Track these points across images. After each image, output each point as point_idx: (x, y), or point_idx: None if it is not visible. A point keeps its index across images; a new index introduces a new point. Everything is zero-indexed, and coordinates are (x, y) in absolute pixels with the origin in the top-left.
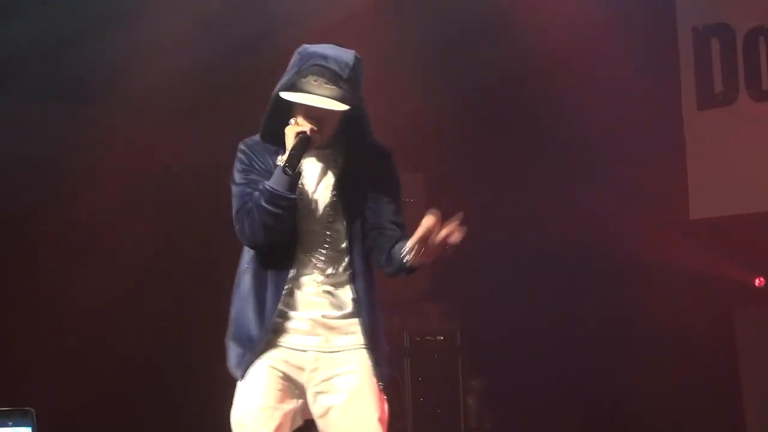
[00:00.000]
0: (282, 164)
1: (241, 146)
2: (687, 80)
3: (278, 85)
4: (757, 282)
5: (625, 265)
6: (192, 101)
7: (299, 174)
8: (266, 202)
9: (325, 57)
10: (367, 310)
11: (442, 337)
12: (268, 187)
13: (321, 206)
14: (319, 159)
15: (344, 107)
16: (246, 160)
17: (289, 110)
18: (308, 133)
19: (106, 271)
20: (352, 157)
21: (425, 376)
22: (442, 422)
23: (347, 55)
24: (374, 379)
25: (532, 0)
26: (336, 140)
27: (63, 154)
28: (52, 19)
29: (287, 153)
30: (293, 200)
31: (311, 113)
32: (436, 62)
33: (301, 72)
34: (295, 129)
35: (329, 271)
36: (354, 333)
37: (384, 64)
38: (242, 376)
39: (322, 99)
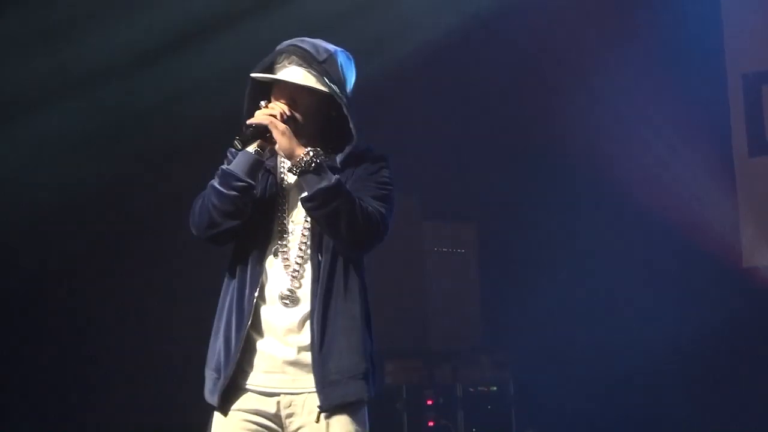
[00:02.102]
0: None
1: (230, 149)
2: (738, 127)
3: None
4: None
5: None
6: None
7: (259, 163)
8: (218, 181)
9: (302, 40)
10: (320, 333)
11: (495, 387)
12: (223, 167)
13: (294, 215)
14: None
15: (310, 84)
16: (227, 160)
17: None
18: (278, 116)
19: None
20: (338, 168)
21: (478, 427)
22: None
23: (331, 45)
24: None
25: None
26: (311, 139)
27: None
28: None
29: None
30: (246, 184)
31: (283, 96)
32: (481, 115)
33: (276, 53)
34: (264, 111)
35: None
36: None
37: (431, 115)
38: (218, 403)
39: (288, 75)
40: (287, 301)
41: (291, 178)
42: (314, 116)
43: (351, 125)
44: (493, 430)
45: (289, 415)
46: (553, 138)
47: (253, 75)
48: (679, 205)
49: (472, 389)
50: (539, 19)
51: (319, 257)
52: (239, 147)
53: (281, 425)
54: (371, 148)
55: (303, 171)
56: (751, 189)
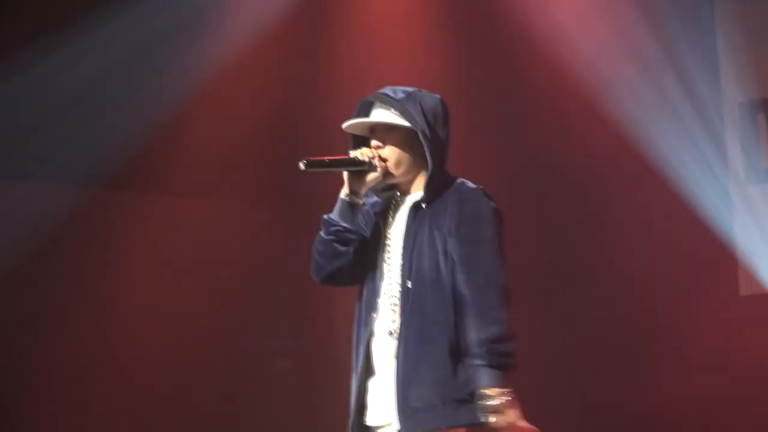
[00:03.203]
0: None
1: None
2: (734, 154)
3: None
4: None
5: (676, 340)
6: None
7: (351, 206)
8: (321, 228)
9: (384, 87)
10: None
11: None
12: (323, 215)
13: (396, 256)
14: (406, 204)
15: (385, 120)
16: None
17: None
18: (359, 157)
19: None
20: (424, 198)
21: None
22: None
23: (409, 87)
24: None
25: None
26: (414, 180)
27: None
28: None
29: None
30: (339, 228)
31: (373, 138)
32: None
33: (362, 103)
34: (364, 151)
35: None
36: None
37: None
38: None
39: (371, 117)
40: (389, 335)
41: (398, 218)
42: (404, 152)
43: (428, 155)
44: None
45: None
46: (544, 166)
47: (343, 126)
48: (678, 231)
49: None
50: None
51: (408, 286)
52: (302, 168)
53: None
54: (465, 182)
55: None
56: (748, 217)
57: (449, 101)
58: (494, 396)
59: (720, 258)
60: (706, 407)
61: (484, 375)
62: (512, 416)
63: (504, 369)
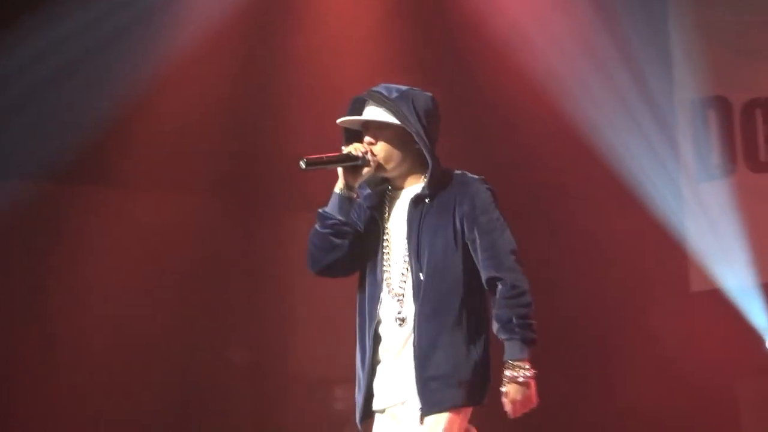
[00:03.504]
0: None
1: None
2: (686, 151)
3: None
4: None
5: (629, 339)
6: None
7: (347, 200)
8: (316, 221)
9: (378, 85)
10: (422, 357)
11: None
12: (319, 209)
13: (397, 247)
14: (402, 197)
15: (377, 119)
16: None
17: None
18: (353, 152)
19: None
20: (426, 193)
21: None
22: None
23: (402, 86)
24: None
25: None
26: (406, 174)
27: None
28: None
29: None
30: (335, 221)
31: (366, 135)
32: None
33: (355, 100)
34: (356, 146)
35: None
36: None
37: None
38: (358, 422)
39: (365, 115)
40: (398, 323)
41: (395, 211)
42: (395, 148)
43: (425, 152)
44: None
45: (397, 423)
46: (499, 165)
47: (338, 121)
48: (630, 228)
49: None
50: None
51: (420, 277)
52: (302, 167)
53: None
54: (465, 173)
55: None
56: (699, 213)
57: None
58: (521, 368)
59: (672, 255)
60: (659, 400)
61: (515, 348)
62: (527, 391)
63: (530, 344)
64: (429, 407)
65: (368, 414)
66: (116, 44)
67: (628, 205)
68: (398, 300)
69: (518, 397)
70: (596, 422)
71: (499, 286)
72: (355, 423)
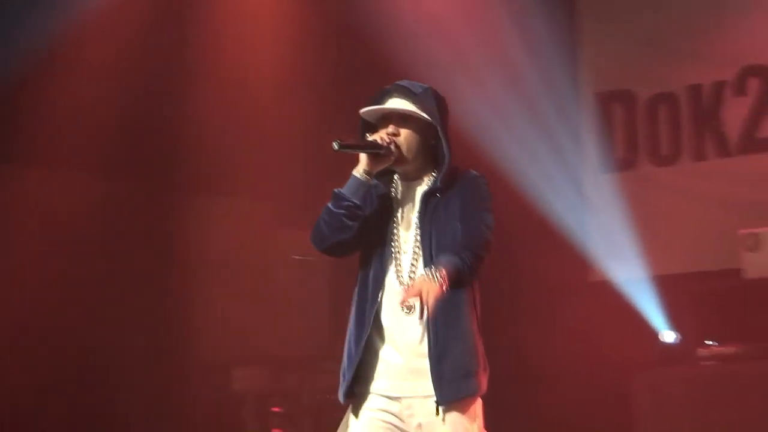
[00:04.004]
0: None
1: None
2: (589, 144)
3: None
4: (664, 336)
5: (525, 326)
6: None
7: (365, 186)
8: (331, 201)
9: (402, 80)
10: (436, 345)
11: None
12: (335, 189)
13: (407, 238)
14: (411, 190)
15: (407, 108)
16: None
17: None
18: (379, 140)
19: None
20: (439, 187)
21: None
22: None
23: (423, 84)
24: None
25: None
26: (420, 168)
27: None
28: None
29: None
30: (351, 204)
31: (388, 124)
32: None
33: (381, 92)
34: (381, 134)
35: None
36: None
37: (286, 122)
38: (343, 402)
39: (390, 106)
40: (405, 311)
41: (404, 202)
42: (416, 141)
43: (444, 148)
44: None
45: (410, 415)
46: None
47: (361, 112)
48: (530, 219)
49: (318, 397)
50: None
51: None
52: (335, 148)
53: (403, 421)
54: (469, 170)
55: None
56: (601, 204)
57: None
58: (437, 273)
59: (571, 246)
60: (555, 392)
61: (447, 260)
62: (430, 288)
63: (459, 270)
64: (445, 398)
65: (356, 394)
66: (9, 18)
67: (528, 197)
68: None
69: (424, 285)
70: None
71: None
72: (252, 404)
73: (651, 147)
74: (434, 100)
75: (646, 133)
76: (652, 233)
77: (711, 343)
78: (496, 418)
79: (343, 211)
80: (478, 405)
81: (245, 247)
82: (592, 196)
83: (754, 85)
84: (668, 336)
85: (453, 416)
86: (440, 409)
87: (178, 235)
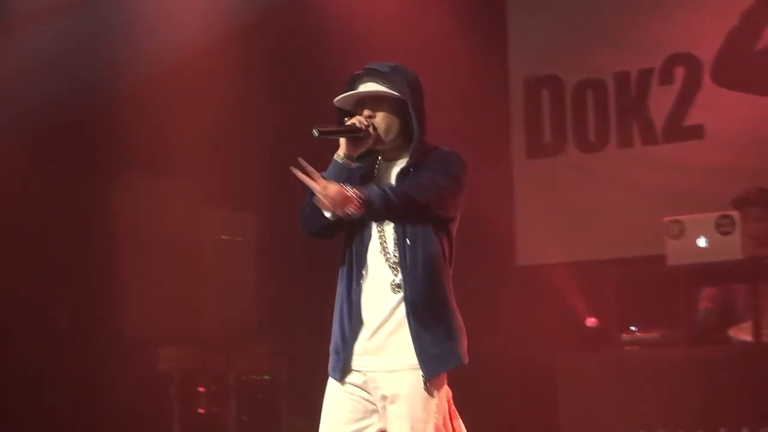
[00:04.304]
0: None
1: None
2: (517, 129)
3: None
4: (589, 322)
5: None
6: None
7: (346, 170)
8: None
9: (371, 63)
10: (414, 319)
11: (267, 377)
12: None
13: (389, 222)
14: (390, 169)
15: (377, 89)
16: None
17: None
18: (357, 124)
19: None
20: (411, 163)
21: (250, 415)
22: None
23: (391, 63)
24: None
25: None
26: (399, 147)
27: None
28: None
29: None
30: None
31: (363, 108)
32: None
33: (352, 78)
34: (359, 119)
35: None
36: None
37: (213, 101)
38: (339, 379)
39: (361, 89)
40: (392, 289)
41: (383, 181)
42: (392, 121)
43: (414, 123)
44: (264, 418)
45: (375, 388)
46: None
47: (335, 101)
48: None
49: (244, 377)
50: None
51: (407, 244)
52: (315, 135)
53: (369, 393)
54: (441, 148)
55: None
56: (528, 190)
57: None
58: (353, 191)
59: (499, 230)
60: (477, 374)
61: (372, 189)
62: (340, 201)
63: (379, 199)
64: (431, 372)
65: (348, 371)
66: None
67: None
68: (391, 267)
69: (337, 198)
70: None
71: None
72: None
73: (579, 133)
74: (403, 77)
75: (574, 119)
76: (579, 219)
77: (634, 328)
78: None
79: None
80: (441, 378)
81: (173, 226)
82: (520, 182)
83: (680, 73)
84: (593, 321)
85: (433, 389)
86: (426, 382)
87: (106, 213)
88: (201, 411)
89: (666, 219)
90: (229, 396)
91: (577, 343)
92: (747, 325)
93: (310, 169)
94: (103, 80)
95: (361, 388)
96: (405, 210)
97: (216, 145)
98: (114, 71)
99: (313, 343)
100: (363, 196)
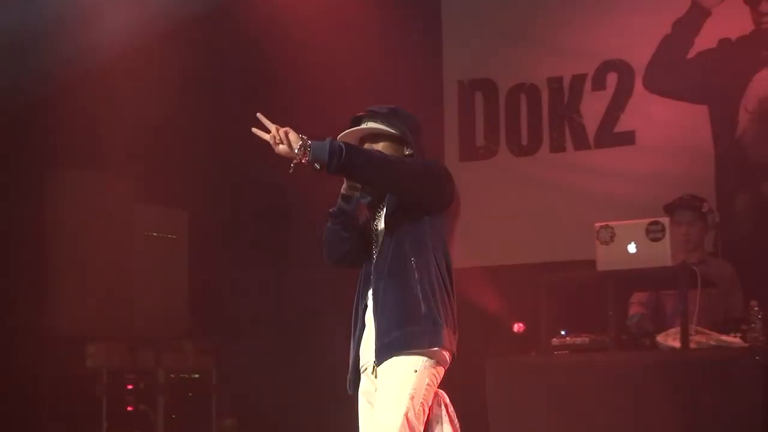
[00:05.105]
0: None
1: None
2: (450, 132)
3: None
4: (516, 328)
5: None
6: None
7: (353, 197)
8: (328, 220)
9: (372, 106)
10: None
11: (197, 375)
12: (329, 209)
13: (377, 228)
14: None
15: (373, 126)
16: None
17: None
18: None
19: None
20: None
21: (179, 413)
22: None
23: (392, 105)
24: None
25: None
26: None
27: None
28: None
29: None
30: (344, 217)
31: (365, 147)
32: (203, 101)
33: (353, 120)
34: None
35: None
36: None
37: (147, 98)
38: (351, 392)
39: (360, 128)
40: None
41: (384, 205)
42: (391, 153)
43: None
44: (193, 416)
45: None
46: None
47: (339, 137)
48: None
49: (173, 375)
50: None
51: (380, 249)
52: (317, 168)
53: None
54: None
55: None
56: (459, 192)
57: None
58: (307, 142)
59: None
60: None
61: (328, 142)
62: (296, 144)
63: (333, 151)
64: (380, 359)
65: (358, 377)
66: None
67: None
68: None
69: (290, 141)
70: None
71: None
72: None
73: (512, 137)
74: (400, 117)
75: (508, 123)
76: (510, 223)
77: (564, 333)
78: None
79: (339, 226)
80: (416, 363)
81: (103, 222)
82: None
83: (612, 79)
84: (520, 326)
85: (386, 375)
86: (378, 369)
87: (34, 209)
88: (129, 408)
89: (597, 224)
90: (157, 394)
91: (507, 346)
92: (675, 331)
93: (267, 122)
94: (34, 76)
95: (367, 391)
96: (363, 169)
97: (148, 142)
98: (46, 67)
99: (242, 343)
100: (316, 148)
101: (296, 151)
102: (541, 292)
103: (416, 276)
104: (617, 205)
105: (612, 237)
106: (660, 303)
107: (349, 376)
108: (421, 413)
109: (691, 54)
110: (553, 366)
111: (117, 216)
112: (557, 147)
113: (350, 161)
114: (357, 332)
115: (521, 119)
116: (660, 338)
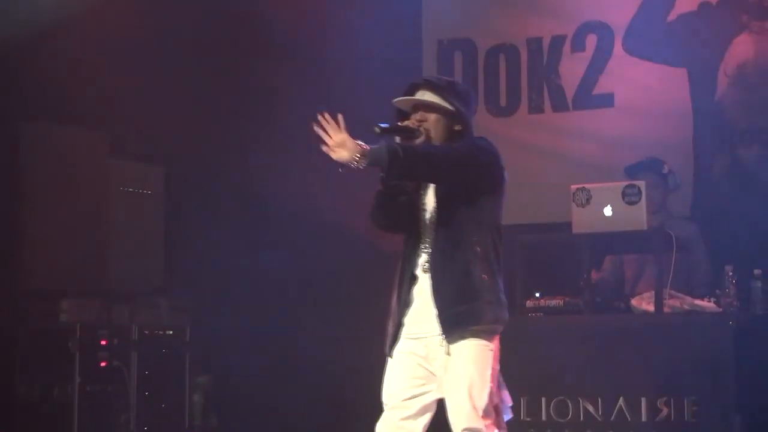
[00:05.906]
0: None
1: None
2: None
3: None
4: None
5: None
6: None
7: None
8: (380, 184)
9: (430, 75)
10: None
11: (171, 332)
12: (381, 174)
13: (429, 204)
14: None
15: (433, 100)
16: None
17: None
18: (411, 126)
19: None
20: None
21: (152, 370)
22: (166, 417)
23: (451, 77)
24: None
25: None
26: None
27: None
28: None
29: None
30: (389, 181)
31: (416, 114)
32: (178, 57)
33: (411, 85)
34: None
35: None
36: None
37: (125, 51)
38: (387, 352)
39: (418, 97)
40: (423, 271)
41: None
42: (441, 126)
43: (461, 129)
44: (167, 373)
45: (434, 358)
46: (248, 100)
47: (394, 101)
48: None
49: (147, 332)
50: None
51: (436, 225)
52: (377, 131)
53: (429, 363)
54: None
55: (370, 163)
56: None
57: None
58: (361, 146)
59: None
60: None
61: (381, 145)
62: (347, 149)
63: (387, 153)
64: (450, 334)
65: (397, 341)
66: None
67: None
68: (425, 252)
69: (346, 145)
70: None
71: None
72: None
73: (490, 97)
74: (456, 92)
75: (486, 84)
76: None
77: (538, 295)
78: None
79: (388, 191)
80: (489, 343)
81: (78, 177)
82: None
83: (592, 41)
84: None
85: (460, 350)
86: (450, 346)
87: (8, 163)
88: (103, 364)
89: (573, 186)
90: (131, 350)
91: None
92: (649, 295)
93: (330, 122)
94: (6, 27)
95: (417, 355)
96: (415, 163)
97: (125, 97)
98: (19, 18)
99: (218, 300)
100: (370, 152)
101: (355, 161)
102: (516, 253)
103: (477, 251)
104: (595, 167)
105: (588, 199)
106: (622, 268)
107: (388, 341)
108: (495, 383)
109: (672, 17)
110: (528, 328)
111: (92, 171)
112: (536, 108)
113: (409, 168)
114: (401, 302)
115: (500, 80)
116: (635, 302)
